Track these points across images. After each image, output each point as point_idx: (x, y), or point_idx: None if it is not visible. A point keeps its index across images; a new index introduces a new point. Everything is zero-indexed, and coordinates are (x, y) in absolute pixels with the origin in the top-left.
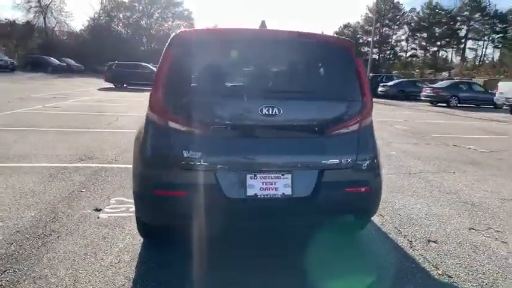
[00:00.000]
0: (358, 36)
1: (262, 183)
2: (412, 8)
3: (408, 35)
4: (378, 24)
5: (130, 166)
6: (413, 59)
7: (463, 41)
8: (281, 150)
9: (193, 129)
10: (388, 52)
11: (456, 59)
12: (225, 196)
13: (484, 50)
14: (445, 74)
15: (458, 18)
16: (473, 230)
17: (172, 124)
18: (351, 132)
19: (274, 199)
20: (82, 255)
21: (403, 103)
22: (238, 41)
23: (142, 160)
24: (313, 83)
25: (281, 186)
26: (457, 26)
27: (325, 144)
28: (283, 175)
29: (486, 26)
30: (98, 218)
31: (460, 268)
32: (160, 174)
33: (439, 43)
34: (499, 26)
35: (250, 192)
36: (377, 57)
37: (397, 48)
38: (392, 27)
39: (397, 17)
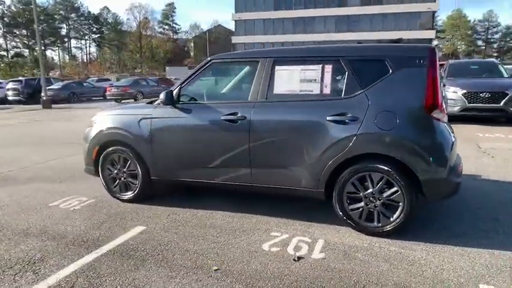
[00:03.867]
0: None
1: None
2: (1, 1)
3: (4, 32)
4: None
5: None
6: (19, 58)
7: (66, 39)
8: None
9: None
10: None
11: (65, 58)
12: None
13: (88, 48)
14: (52, 73)
15: (56, 16)
16: None
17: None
18: None
19: None
20: None
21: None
22: None
23: (448, 151)
24: None
25: None
26: (57, 25)
27: None
28: None
29: (85, 26)
30: (326, 259)
31: None
32: (454, 155)
33: (43, 41)
34: (95, 26)
35: None
36: None
37: None
38: None
39: None
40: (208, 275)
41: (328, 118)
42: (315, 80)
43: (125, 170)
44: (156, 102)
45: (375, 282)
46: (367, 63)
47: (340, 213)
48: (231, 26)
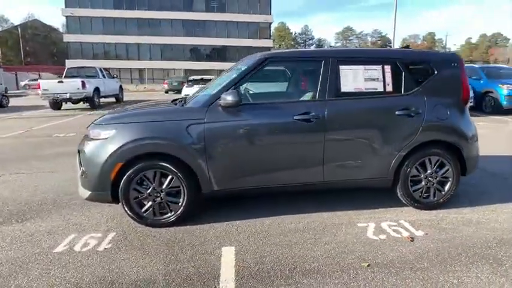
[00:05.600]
0: None
1: None
2: None
3: None
4: None
5: None
6: None
7: None
8: None
9: None
10: None
11: None
12: None
13: None
14: None
15: None
16: None
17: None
18: None
19: None
20: None
21: None
22: None
23: (477, 133)
24: None
25: None
26: None
27: None
28: None
29: None
30: (428, 234)
31: None
32: None
33: None
34: None
35: None
36: None
37: None
38: None
39: None
40: (370, 271)
41: (397, 113)
42: (378, 78)
43: (162, 188)
44: (198, 102)
45: (484, 240)
46: (417, 65)
47: (405, 195)
48: (52, 21)
